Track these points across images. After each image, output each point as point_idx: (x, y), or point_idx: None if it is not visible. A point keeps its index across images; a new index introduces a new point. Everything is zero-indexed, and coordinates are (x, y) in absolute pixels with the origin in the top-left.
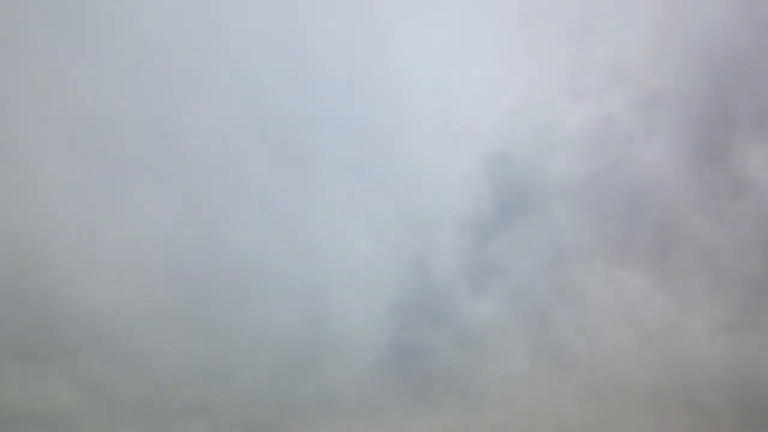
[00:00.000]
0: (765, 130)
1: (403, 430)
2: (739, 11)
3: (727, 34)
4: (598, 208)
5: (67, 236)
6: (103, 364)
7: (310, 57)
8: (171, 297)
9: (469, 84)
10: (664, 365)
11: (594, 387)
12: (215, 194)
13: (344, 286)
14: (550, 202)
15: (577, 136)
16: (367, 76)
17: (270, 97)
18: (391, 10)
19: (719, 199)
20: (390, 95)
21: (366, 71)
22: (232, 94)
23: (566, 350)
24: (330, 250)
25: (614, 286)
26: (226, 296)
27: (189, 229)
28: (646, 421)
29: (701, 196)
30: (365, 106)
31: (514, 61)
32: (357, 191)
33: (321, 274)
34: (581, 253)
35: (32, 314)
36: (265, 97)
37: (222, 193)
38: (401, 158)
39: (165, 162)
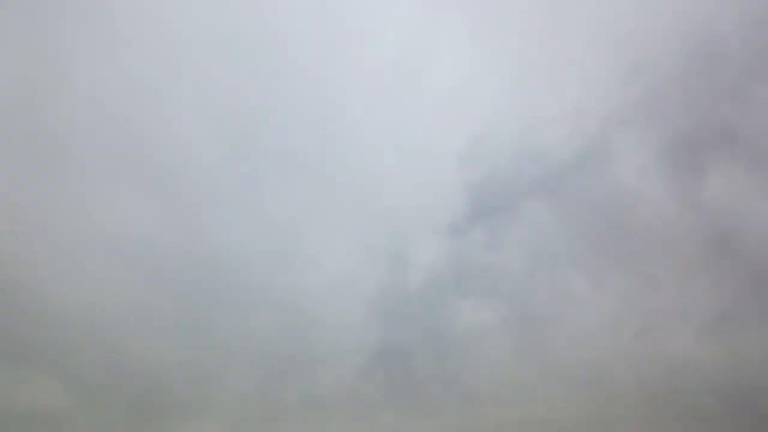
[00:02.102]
0: (734, 149)
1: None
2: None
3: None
4: (580, 211)
5: (53, 238)
6: (94, 366)
7: (288, 58)
8: (160, 301)
9: (446, 83)
10: (650, 365)
11: (581, 388)
12: (197, 201)
13: (326, 290)
14: (532, 204)
15: (553, 137)
16: (340, 75)
17: (243, 105)
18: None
19: (695, 207)
20: (363, 97)
21: (339, 71)
22: (208, 102)
23: (552, 352)
24: (310, 255)
25: (599, 287)
26: (213, 300)
27: (173, 236)
28: (635, 420)
29: (677, 201)
30: (338, 108)
31: (490, 59)
32: (334, 195)
33: (302, 277)
34: (565, 255)
35: (21, 316)
36: (238, 106)
37: (202, 200)
38: (378, 161)
39: (141, 167)
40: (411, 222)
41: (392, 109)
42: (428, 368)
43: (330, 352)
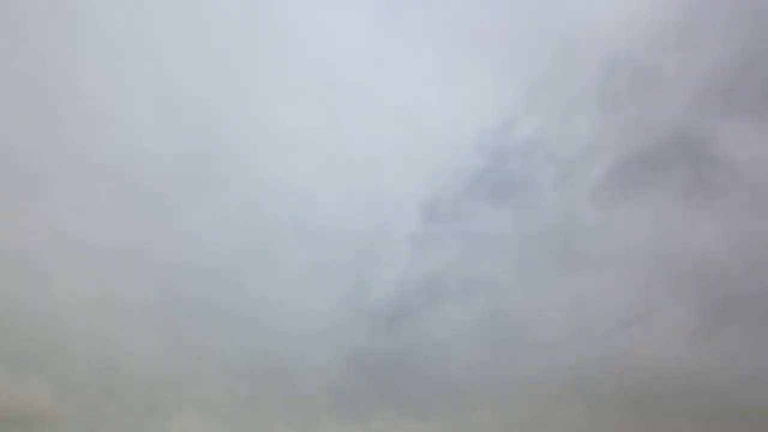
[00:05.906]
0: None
1: None
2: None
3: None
4: (541, 220)
5: (28, 244)
6: (85, 368)
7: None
8: (148, 307)
9: (419, 91)
10: (628, 367)
11: (562, 390)
12: (168, 209)
13: (299, 296)
14: (498, 210)
15: (508, 141)
16: (297, 86)
17: (205, 116)
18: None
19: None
20: (314, 107)
21: (292, 82)
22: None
23: (533, 355)
24: (279, 263)
25: (577, 288)
26: (192, 305)
27: (147, 243)
28: (617, 420)
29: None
30: (285, 118)
31: (442, 66)
32: (300, 205)
33: (273, 284)
34: (543, 258)
35: (13, 319)
36: (198, 115)
37: (173, 208)
38: (352, 165)
39: (111, 177)
40: (378, 227)
41: (340, 117)
42: (420, 374)
43: (309, 356)
